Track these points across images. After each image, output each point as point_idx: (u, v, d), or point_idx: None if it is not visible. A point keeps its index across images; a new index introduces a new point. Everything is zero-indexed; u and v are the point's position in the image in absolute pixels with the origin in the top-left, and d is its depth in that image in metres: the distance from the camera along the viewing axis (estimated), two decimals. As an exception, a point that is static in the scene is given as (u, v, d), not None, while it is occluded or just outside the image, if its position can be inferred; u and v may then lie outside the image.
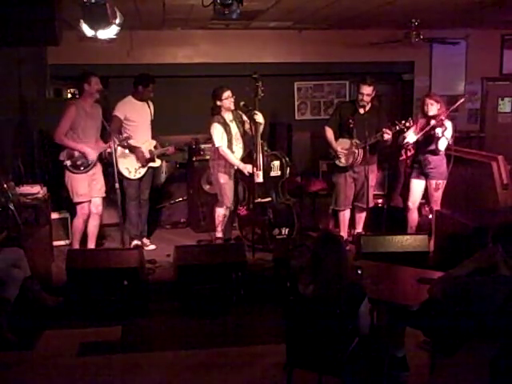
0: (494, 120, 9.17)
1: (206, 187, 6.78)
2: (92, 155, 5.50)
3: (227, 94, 5.78)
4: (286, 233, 6.06)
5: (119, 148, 5.76)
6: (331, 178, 6.32)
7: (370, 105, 5.93)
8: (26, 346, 4.24)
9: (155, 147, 6.07)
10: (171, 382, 3.82)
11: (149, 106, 6.08)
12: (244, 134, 6.00)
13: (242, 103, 5.79)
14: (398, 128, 5.69)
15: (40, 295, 4.65)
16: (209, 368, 3.96)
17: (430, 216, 6.06)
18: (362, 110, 5.88)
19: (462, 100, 6.16)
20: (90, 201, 5.65)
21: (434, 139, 5.68)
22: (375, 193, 6.63)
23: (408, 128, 5.73)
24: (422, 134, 5.76)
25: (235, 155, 5.87)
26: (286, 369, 3.36)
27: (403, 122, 5.66)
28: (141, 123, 5.95)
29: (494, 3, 6.00)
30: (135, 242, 6.05)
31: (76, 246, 5.70)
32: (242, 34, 7.87)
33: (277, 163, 6.06)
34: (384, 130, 5.66)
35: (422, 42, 7.32)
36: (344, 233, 6.19)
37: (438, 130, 5.59)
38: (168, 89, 7.91)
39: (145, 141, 6.00)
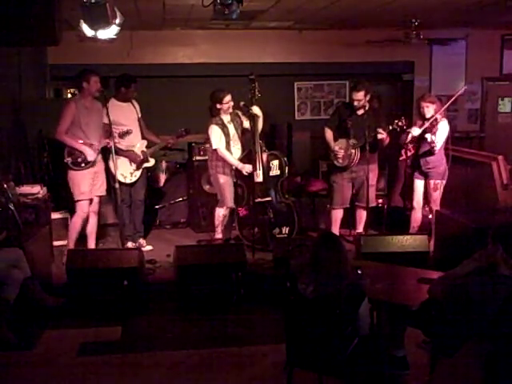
0: (494, 120, 9.16)
1: (206, 187, 6.78)
2: (91, 156, 5.50)
3: (228, 98, 5.80)
4: (287, 232, 6.07)
5: (111, 156, 5.72)
6: (330, 177, 6.35)
7: (368, 106, 5.96)
8: (26, 346, 4.23)
9: (147, 147, 6.06)
10: (171, 382, 3.82)
11: (133, 106, 6.04)
12: (243, 134, 6.01)
13: (242, 103, 5.81)
14: (391, 127, 5.71)
15: (40, 295, 4.64)
16: (209, 368, 3.95)
17: (430, 216, 6.06)
18: (359, 112, 5.91)
19: (462, 89, 6.14)
20: (91, 200, 5.64)
21: (426, 142, 5.71)
22: (376, 193, 6.63)
23: (401, 127, 5.74)
24: (423, 128, 5.78)
25: (233, 156, 5.88)
26: (286, 369, 3.35)
27: (396, 121, 5.68)
28: (128, 125, 5.93)
29: (494, 3, 6.00)
30: (129, 244, 6.00)
31: (71, 245, 5.67)
32: (242, 34, 7.87)
33: (276, 162, 6.08)
34: (378, 129, 5.69)
35: (421, 42, 7.33)
36: (336, 231, 6.20)
37: (428, 136, 5.63)
38: (168, 89, 7.92)
39: (136, 142, 6.00)
